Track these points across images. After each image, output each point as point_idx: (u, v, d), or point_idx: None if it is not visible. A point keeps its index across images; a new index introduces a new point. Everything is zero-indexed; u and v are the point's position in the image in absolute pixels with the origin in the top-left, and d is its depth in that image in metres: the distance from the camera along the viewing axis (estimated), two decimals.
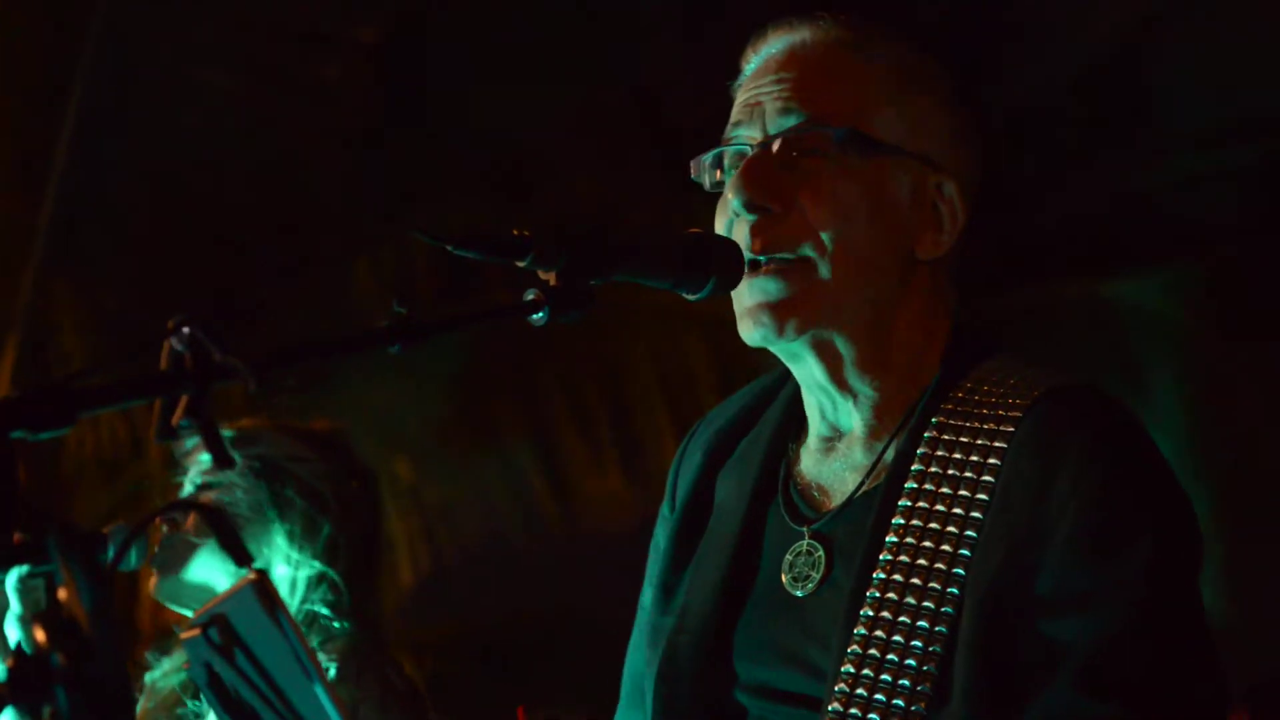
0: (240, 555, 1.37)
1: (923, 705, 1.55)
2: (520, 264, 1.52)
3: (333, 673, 2.61)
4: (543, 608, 5.99)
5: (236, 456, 2.74)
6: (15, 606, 2.30)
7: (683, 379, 1.85)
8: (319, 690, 1.35)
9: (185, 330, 1.32)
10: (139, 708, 2.73)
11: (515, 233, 1.51)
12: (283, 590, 2.71)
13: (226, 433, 2.70)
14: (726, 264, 1.64)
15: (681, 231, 1.64)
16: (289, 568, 2.71)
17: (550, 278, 1.52)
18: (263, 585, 1.35)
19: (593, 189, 5.70)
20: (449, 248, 1.50)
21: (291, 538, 2.71)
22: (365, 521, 2.83)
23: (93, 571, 1.25)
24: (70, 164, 5.98)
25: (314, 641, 2.68)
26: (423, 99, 6.36)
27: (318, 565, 2.72)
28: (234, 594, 1.39)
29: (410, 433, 6.47)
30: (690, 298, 1.65)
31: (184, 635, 1.43)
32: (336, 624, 2.70)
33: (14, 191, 6.14)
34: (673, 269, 1.61)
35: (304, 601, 2.71)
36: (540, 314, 1.51)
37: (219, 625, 1.41)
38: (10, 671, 1.20)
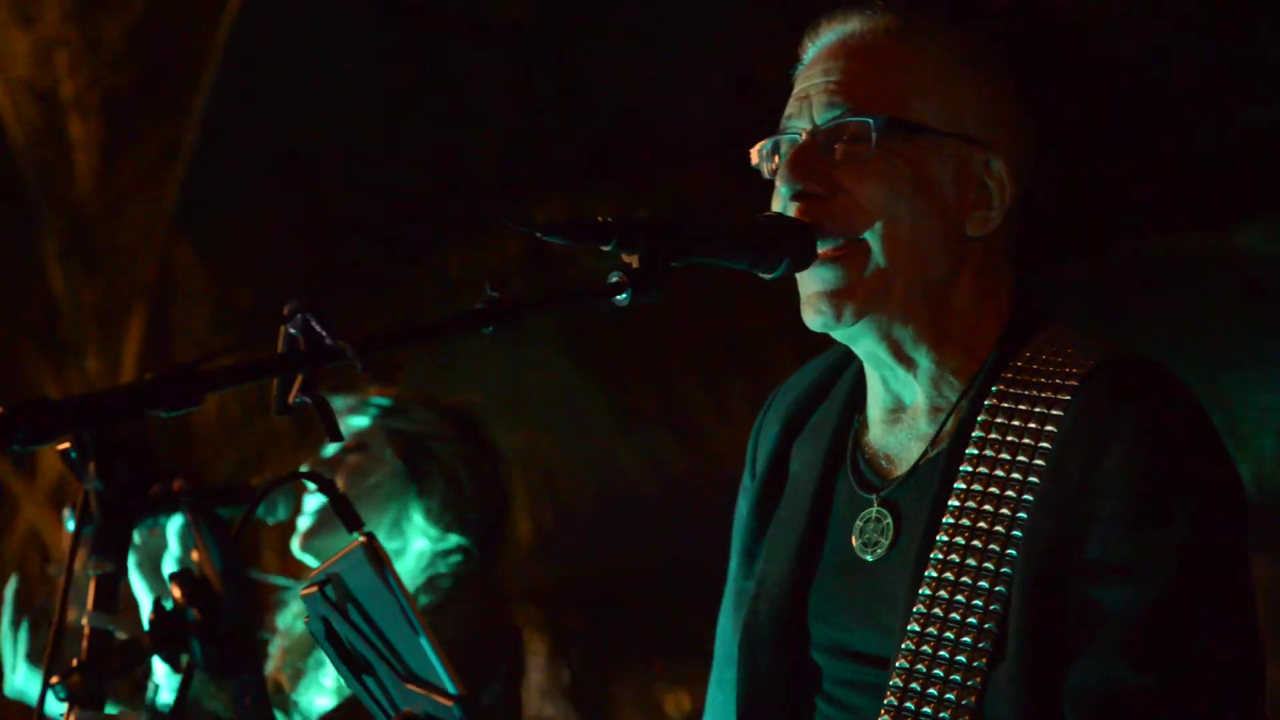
0: (351, 521, 1.48)
1: (983, 661, 1.62)
2: (604, 248, 1.62)
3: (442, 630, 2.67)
4: (668, 557, 6.08)
5: (369, 421, 2.84)
6: (178, 549, 2.45)
7: (799, 330, 1.93)
8: (424, 643, 1.45)
9: (298, 316, 1.45)
10: (275, 648, 2.85)
11: (599, 219, 1.61)
12: (414, 563, 2.81)
13: (382, 400, 2.82)
14: (799, 245, 1.72)
15: (756, 216, 1.72)
16: (426, 541, 2.80)
17: (633, 260, 1.60)
18: (372, 547, 1.44)
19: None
20: (537, 234, 1.61)
21: (429, 513, 2.80)
22: (495, 501, 2.91)
23: (223, 532, 1.37)
24: (199, 146, 6.13)
25: (434, 599, 2.76)
26: (553, 80, 6.44)
27: (451, 540, 2.80)
28: (346, 555, 1.47)
29: (534, 386, 6.59)
30: (766, 277, 1.72)
31: (303, 593, 1.54)
32: (468, 604, 2.77)
33: (148, 172, 6.30)
34: (748, 251, 1.69)
35: (434, 577, 2.79)
36: (624, 295, 1.60)
37: (334, 583, 1.50)
38: (151, 624, 1.34)
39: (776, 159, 1.82)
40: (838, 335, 1.80)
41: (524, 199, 6.04)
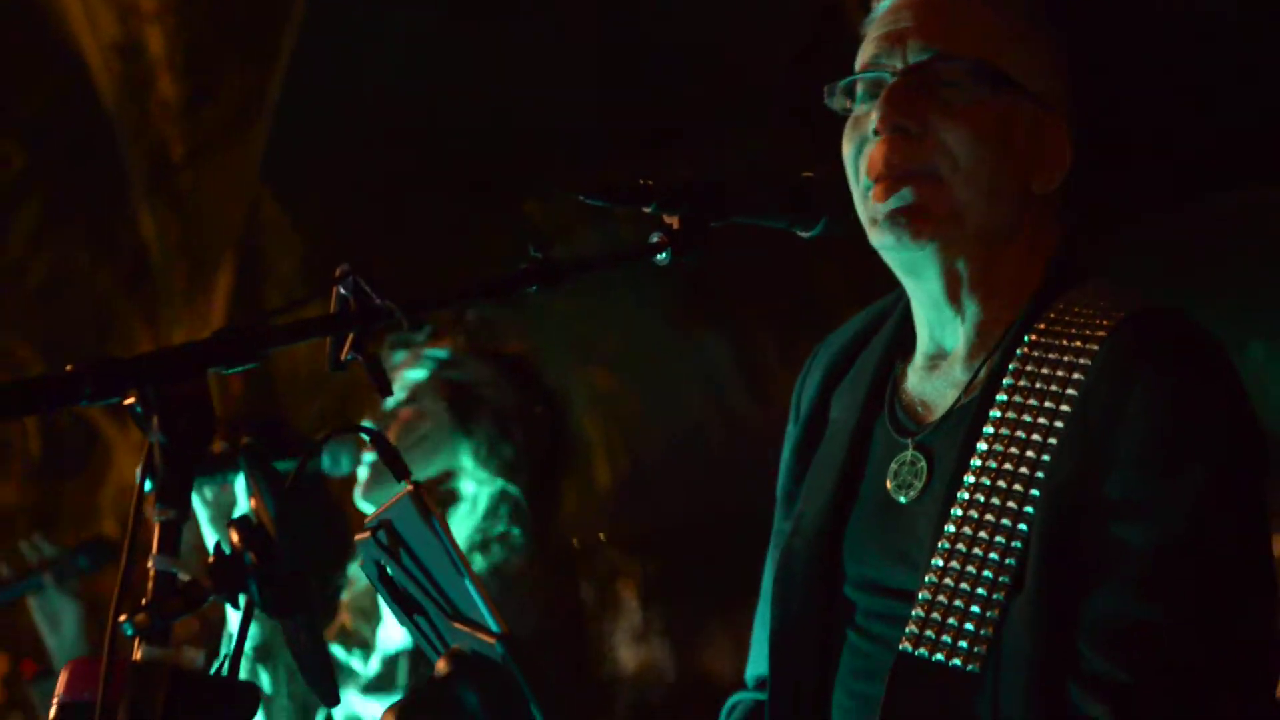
0: (399, 470, 1.57)
1: (1003, 594, 1.67)
2: (646, 210, 1.69)
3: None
4: (739, 506, 6.15)
5: (426, 374, 2.92)
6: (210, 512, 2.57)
7: (869, 286, 2.00)
8: (469, 584, 1.54)
9: (349, 278, 1.54)
10: (345, 595, 2.95)
11: (640, 181, 1.68)
12: (467, 506, 2.86)
13: (438, 352, 2.90)
14: (836, 205, 1.78)
15: (795, 176, 1.78)
16: (474, 484, 2.87)
17: (673, 221, 1.67)
18: (419, 495, 1.53)
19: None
20: (580, 197, 1.68)
21: (477, 457, 2.86)
22: (548, 443, 2.96)
23: (276, 481, 1.46)
24: (283, 99, 6.22)
25: (492, 559, 2.82)
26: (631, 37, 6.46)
27: (500, 483, 2.86)
28: (396, 503, 1.56)
29: (608, 339, 6.66)
30: (804, 235, 1.78)
31: (357, 538, 1.64)
32: (512, 551, 2.82)
33: (232, 124, 6.40)
34: (786, 211, 1.75)
35: (485, 518, 2.84)
36: (663, 255, 1.67)
37: (385, 529, 1.59)
38: (211, 567, 1.43)
39: (850, 100, 1.87)
40: (900, 258, 1.85)
41: (596, 158, 6.10)
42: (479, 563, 2.79)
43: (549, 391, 3.01)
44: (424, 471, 2.85)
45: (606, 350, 6.54)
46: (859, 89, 1.87)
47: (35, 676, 4.14)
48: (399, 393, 2.91)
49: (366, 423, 2.85)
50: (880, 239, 1.82)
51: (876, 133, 1.80)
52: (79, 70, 6.44)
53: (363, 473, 2.82)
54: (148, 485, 1.43)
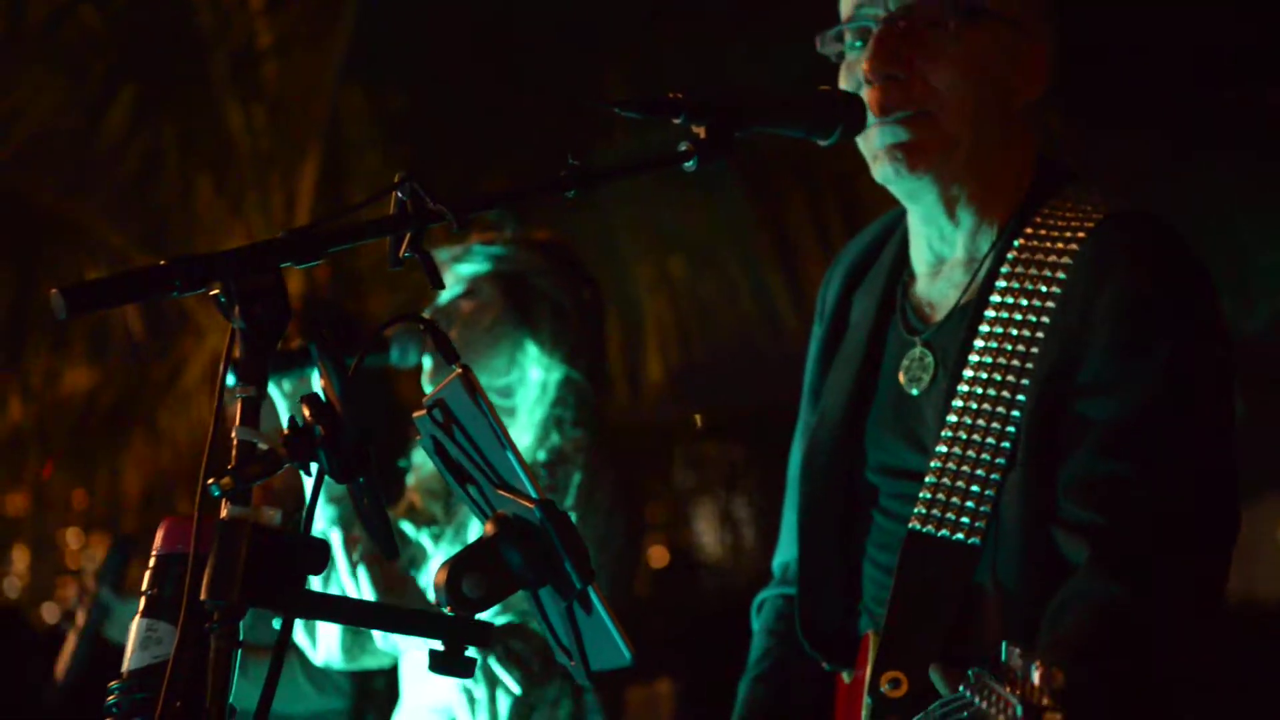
0: (449, 354, 1.72)
1: (999, 474, 1.83)
2: (675, 120, 1.83)
3: (573, 492, 2.80)
4: (781, 403, 6.31)
5: (476, 267, 2.96)
6: (290, 392, 2.72)
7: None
8: (510, 456, 1.67)
9: (406, 184, 1.70)
10: (410, 480, 3.09)
11: (670, 95, 1.81)
12: (535, 394, 2.92)
13: (496, 250, 2.97)
14: (851, 115, 1.89)
15: (813, 88, 1.91)
16: (541, 370, 2.92)
17: (700, 131, 1.78)
18: (467, 377, 1.66)
19: None
20: (616, 109, 1.82)
21: (541, 344, 2.91)
22: (597, 325, 3.03)
23: (341, 364, 1.63)
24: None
25: (566, 438, 2.87)
26: None
27: (564, 368, 2.91)
28: (448, 384, 1.69)
29: (679, 237, 6.76)
30: (822, 143, 1.89)
31: (415, 415, 1.80)
32: (579, 430, 2.88)
33: (314, 18, 6.47)
34: (804, 120, 1.86)
35: (554, 404, 2.90)
36: (691, 162, 1.81)
37: (440, 408, 1.73)
38: (286, 439, 1.61)
39: (840, 45, 2.01)
40: (900, 188, 1.99)
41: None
42: (553, 441, 2.86)
43: (591, 277, 3.05)
44: (493, 359, 2.92)
45: (661, 242, 6.65)
46: (847, 36, 2.00)
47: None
48: (456, 286, 2.97)
49: (426, 313, 2.96)
50: (881, 173, 1.97)
51: (868, 80, 1.94)
52: None
53: (428, 362, 2.89)
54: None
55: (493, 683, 2.68)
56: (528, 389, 2.94)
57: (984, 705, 1.44)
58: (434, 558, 2.90)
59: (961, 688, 1.52)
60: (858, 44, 2.00)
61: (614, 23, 6.54)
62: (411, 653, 2.88)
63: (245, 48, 6.54)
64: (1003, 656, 1.43)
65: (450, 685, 2.78)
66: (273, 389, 2.66)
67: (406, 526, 2.92)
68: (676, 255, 6.87)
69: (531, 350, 2.93)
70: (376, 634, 2.88)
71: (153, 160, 6.69)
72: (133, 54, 6.53)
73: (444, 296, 2.97)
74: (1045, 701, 1.36)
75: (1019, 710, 1.37)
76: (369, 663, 3.04)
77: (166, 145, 6.67)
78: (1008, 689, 1.39)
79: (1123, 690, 1.69)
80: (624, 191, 6.03)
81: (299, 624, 2.94)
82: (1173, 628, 1.76)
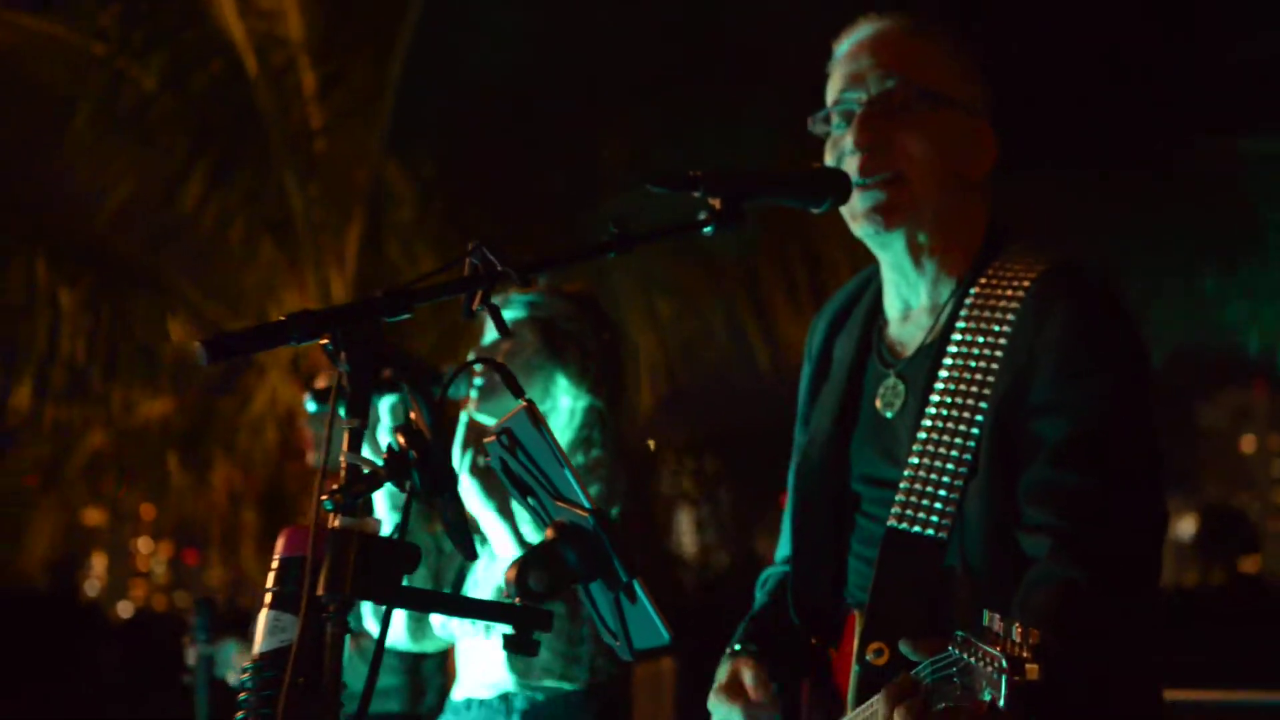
0: (516, 390, 1.77)
1: (961, 480, 1.89)
2: (695, 194, 1.89)
3: (597, 489, 2.83)
4: (753, 427, 6.42)
5: (516, 313, 2.98)
6: (388, 420, 2.74)
7: (864, 261, 2.23)
8: (568, 473, 1.71)
9: (478, 250, 1.75)
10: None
11: (690, 174, 1.84)
12: (565, 418, 2.94)
13: (531, 298, 3.00)
14: (838, 188, 1.95)
15: (806, 167, 1.96)
16: (570, 399, 2.94)
17: (716, 202, 1.83)
18: (531, 409, 1.70)
19: None
20: (647, 185, 1.88)
21: (570, 377, 2.93)
22: (616, 362, 3.05)
23: (430, 400, 1.69)
24: (403, 82, 6.34)
25: (590, 457, 2.91)
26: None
27: (588, 398, 2.94)
28: (514, 414, 1.74)
29: (661, 294, 6.81)
30: (815, 211, 1.94)
31: (485, 440, 1.84)
32: (600, 450, 2.91)
33: (360, 102, 6.52)
34: (800, 193, 1.91)
35: (580, 428, 2.92)
36: (709, 228, 1.85)
37: (507, 434, 1.77)
38: (386, 461, 1.66)
39: (828, 124, 2.07)
40: (876, 241, 2.05)
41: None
42: (578, 459, 2.90)
43: (611, 322, 3.09)
44: (529, 390, 2.91)
45: (655, 306, 6.69)
46: (834, 118, 2.07)
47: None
48: (486, 339, 3.00)
49: (478, 354, 2.98)
50: (862, 230, 2.03)
51: (854, 150, 2.00)
52: (232, 59, 6.61)
53: (473, 394, 2.91)
54: (335, 403, 1.66)
55: None
56: (559, 415, 2.97)
57: (972, 660, 1.49)
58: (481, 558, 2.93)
59: (950, 648, 1.55)
60: (841, 124, 2.06)
61: (608, 102, 6.61)
62: (466, 639, 2.91)
63: (301, 127, 6.59)
64: (985, 621, 1.49)
65: (501, 665, 2.82)
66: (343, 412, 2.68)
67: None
68: (664, 299, 6.92)
69: (562, 382, 2.96)
70: (435, 622, 2.92)
71: (222, 223, 6.73)
72: (206, 133, 6.58)
73: (486, 338, 3.00)
74: (1025, 655, 1.43)
75: (1004, 662, 1.43)
76: (428, 646, 3.08)
77: (234, 210, 6.71)
78: (993, 647, 1.45)
79: (1087, 650, 1.74)
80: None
81: (367, 612, 2.98)
82: (1125, 602, 1.82)
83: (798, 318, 5.98)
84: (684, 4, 6.41)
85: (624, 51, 6.32)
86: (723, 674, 2.09)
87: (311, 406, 3.31)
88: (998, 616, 1.47)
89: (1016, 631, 1.43)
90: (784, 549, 2.26)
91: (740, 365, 6.55)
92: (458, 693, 2.96)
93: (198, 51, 6.57)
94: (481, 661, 2.87)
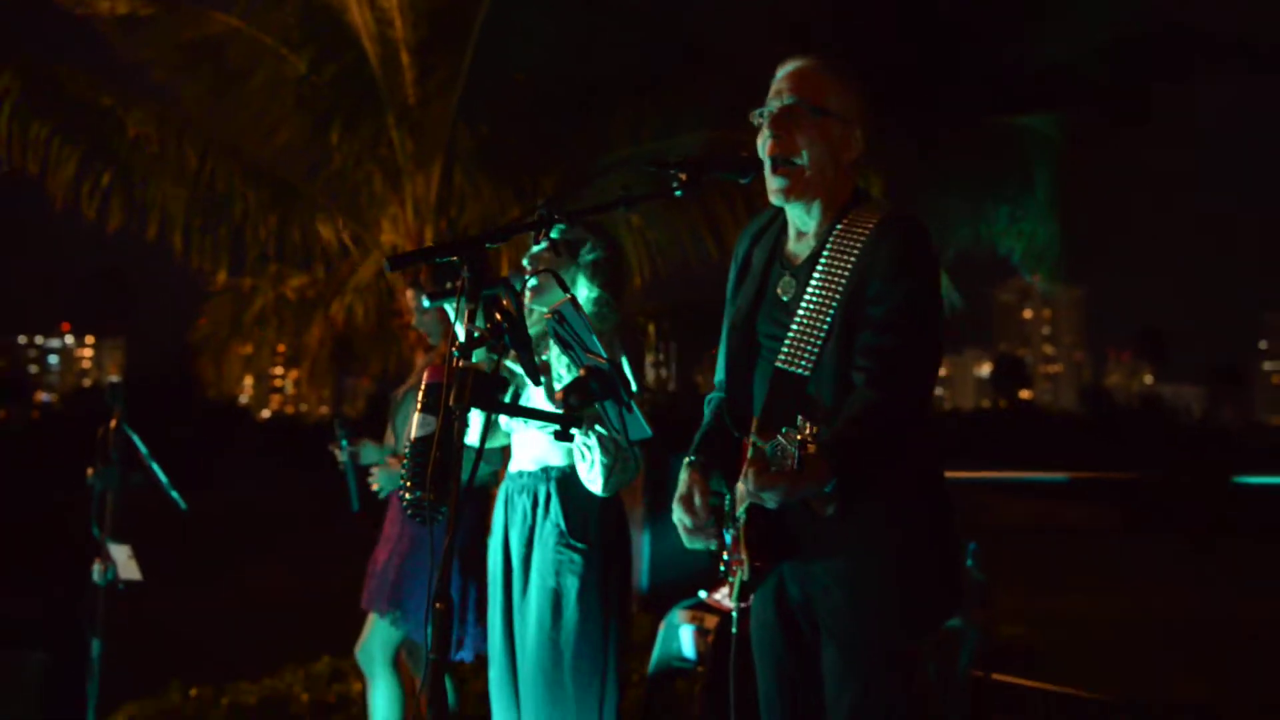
0: (564, 287, 1.96)
1: (822, 340, 2.01)
2: (671, 171, 2.01)
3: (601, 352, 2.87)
4: (700, 301, 6.59)
5: (555, 235, 2.88)
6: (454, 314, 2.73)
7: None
8: (594, 338, 1.93)
9: (547, 201, 1.92)
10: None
11: (674, 161, 1.98)
12: (585, 306, 2.87)
13: (560, 228, 2.93)
14: (757, 166, 2.09)
15: (740, 153, 2.09)
16: (587, 290, 2.93)
17: (683, 175, 2.00)
18: (572, 300, 1.91)
19: None
20: (651, 168, 1.99)
21: (586, 275, 2.92)
22: (618, 266, 3.02)
23: (516, 293, 1.86)
24: (471, 70, 6.25)
25: (601, 328, 2.86)
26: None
27: (599, 290, 2.93)
28: (562, 303, 1.94)
29: (647, 213, 6.73)
30: (742, 181, 2.09)
31: (545, 315, 2.04)
32: (603, 323, 2.90)
33: (443, 84, 6.42)
34: (736, 169, 2.07)
35: (595, 308, 2.90)
36: (679, 191, 1.99)
37: (556, 314, 1.96)
38: (490, 328, 1.81)
39: (760, 119, 2.14)
40: (783, 203, 2.14)
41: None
42: (597, 328, 2.68)
43: (614, 240, 3.06)
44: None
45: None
46: (764, 116, 2.14)
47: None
48: (543, 243, 2.91)
49: (530, 262, 2.94)
50: (774, 199, 2.12)
51: (767, 137, 2.09)
52: (359, 50, 6.56)
53: (529, 292, 2.88)
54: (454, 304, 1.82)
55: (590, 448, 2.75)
56: (581, 303, 2.88)
57: (785, 443, 1.76)
58: (528, 387, 2.97)
59: (779, 436, 1.78)
60: (765, 119, 2.14)
61: (615, 93, 6.56)
62: (518, 432, 2.96)
63: (403, 99, 6.53)
64: (798, 422, 1.76)
65: (545, 445, 2.86)
66: (448, 305, 2.61)
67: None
68: (641, 220, 6.89)
69: (581, 280, 2.98)
70: (502, 422, 2.93)
71: (349, 162, 6.70)
72: (339, 100, 6.54)
73: (534, 249, 2.98)
74: (809, 438, 1.73)
75: (797, 441, 1.73)
76: (495, 442, 3.17)
77: (358, 153, 6.67)
78: (797, 435, 1.74)
79: (874, 433, 1.91)
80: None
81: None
82: (903, 409, 1.98)
83: (735, 229, 6.11)
84: (684, 4, 6.29)
85: (623, 52, 6.29)
86: (681, 485, 2.07)
87: (425, 302, 3.10)
88: (802, 418, 1.72)
89: (808, 427, 1.72)
90: (719, 378, 2.33)
91: (697, 260, 6.69)
92: (512, 467, 3.00)
93: (334, 44, 6.55)
94: (529, 446, 2.94)
